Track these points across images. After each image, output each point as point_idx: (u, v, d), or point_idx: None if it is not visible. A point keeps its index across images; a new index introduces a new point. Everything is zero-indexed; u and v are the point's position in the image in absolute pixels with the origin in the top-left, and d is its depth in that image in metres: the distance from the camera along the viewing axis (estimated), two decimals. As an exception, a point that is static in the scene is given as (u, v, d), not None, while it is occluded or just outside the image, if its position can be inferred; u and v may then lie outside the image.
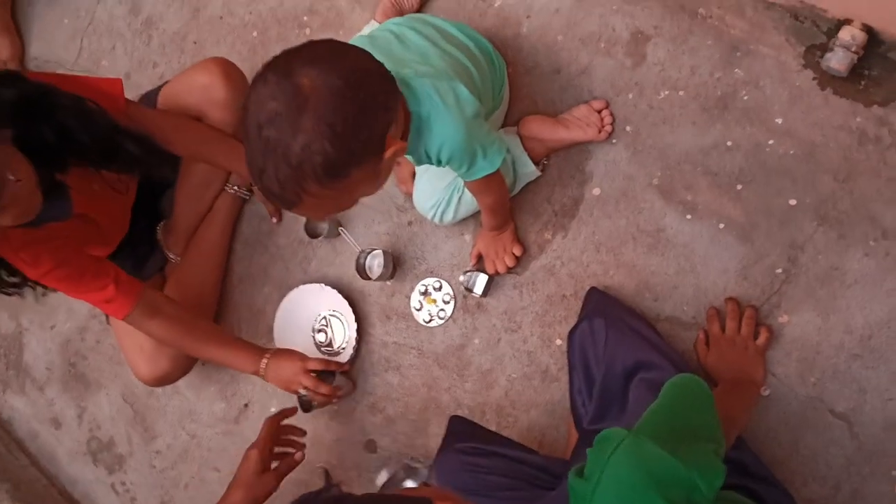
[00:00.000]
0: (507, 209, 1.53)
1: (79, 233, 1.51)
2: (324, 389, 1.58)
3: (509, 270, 1.59)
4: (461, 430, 1.45)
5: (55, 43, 2.28)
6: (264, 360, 1.59)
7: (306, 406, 1.62)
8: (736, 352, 1.38)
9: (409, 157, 1.23)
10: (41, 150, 1.25)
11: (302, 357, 1.60)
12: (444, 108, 1.15)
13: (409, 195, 1.66)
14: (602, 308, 1.41)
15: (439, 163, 1.23)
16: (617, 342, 1.31)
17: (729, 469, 1.13)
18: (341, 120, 0.98)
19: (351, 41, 1.47)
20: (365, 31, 1.65)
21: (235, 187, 1.84)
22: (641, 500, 0.83)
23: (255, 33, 1.95)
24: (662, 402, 1.02)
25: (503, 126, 1.59)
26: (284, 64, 0.99)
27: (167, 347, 1.69)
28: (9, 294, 1.45)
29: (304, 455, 1.58)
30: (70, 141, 1.29)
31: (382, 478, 1.61)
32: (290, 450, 1.58)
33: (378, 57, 1.08)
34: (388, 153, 1.06)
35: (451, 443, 1.40)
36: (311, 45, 1.05)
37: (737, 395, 1.32)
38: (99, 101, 1.35)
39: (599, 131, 1.51)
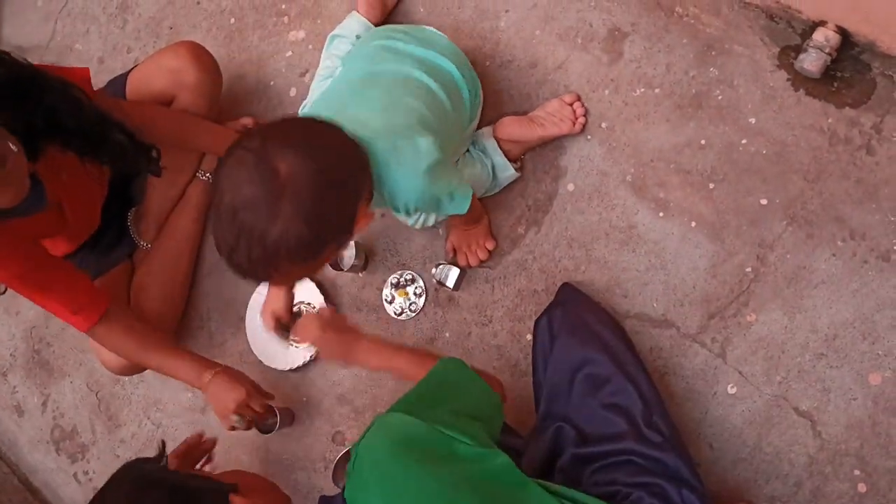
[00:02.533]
0: (479, 209, 1.54)
1: (47, 226, 1.47)
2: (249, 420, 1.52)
3: (481, 264, 1.58)
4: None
5: (28, 25, 2.25)
6: (208, 375, 1.51)
7: (267, 429, 1.62)
8: None
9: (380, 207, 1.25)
10: (23, 134, 1.21)
11: (249, 389, 1.52)
12: (401, 168, 1.17)
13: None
14: (564, 301, 1.42)
15: (408, 213, 1.26)
16: (568, 337, 1.33)
17: (634, 469, 1.17)
18: (318, 205, 0.99)
19: (318, 70, 1.53)
20: (348, 26, 1.63)
21: (208, 175, 1.82)
22: (392, 463, 0.90)
23: (232, 20, 1.93)
24: (420, 381, 1.09)
25: (478, 128, 1.58)
26: (260, 145, 0.99)
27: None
28: None
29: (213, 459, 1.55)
30: (57, 126, 1.25)
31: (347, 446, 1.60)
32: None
33: (332, 116, 1.10)
34: (358, 227, 1.08)
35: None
36: (282, 124, 1.07)
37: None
38: None
39: (574, 124, 1.51)
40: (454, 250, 1.59)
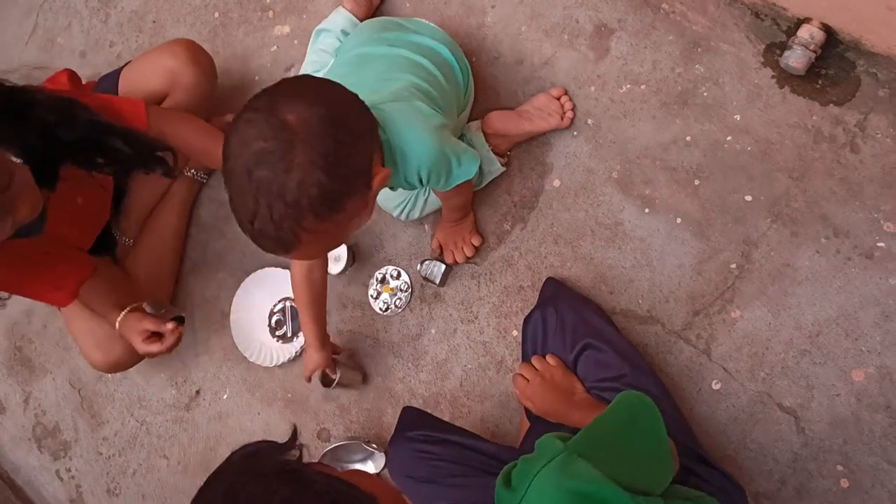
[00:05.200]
0: (467, 204, 1.53)
1: (48, 247, 1.45)
2: (155, 348, 1.54)
3: (468, 260, 1.58)
4: (412, 420, 1.44)
5: (9, 19, 2.22)
6: (121, 315, 1.54)
7: (326, 381, 1.57)
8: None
9: (389, 189, 1.22)
10: (36, 161, 1.20)
11: (139, 318, 1.54)
12: (412, 129, 1.15)
13: None
14: (555, 297, 1.41)
15: (420, 183, 1.22)
16: (563, 332, 1.32)
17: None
18: (333, 149, 0.96)
19: (304, 64, 1.53)
20: (333, 21, 1.62)
21: (193, 170, 1.80)
22: None
23: (216, 14, 1.92)
24: (606, 417, 0.98)
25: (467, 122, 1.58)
26: (266, 102, 0.97)
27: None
28: None
29: None
30: (53, 139, 1.23)
31: (333, 444, 1.59)
32: None
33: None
34: (376, 182, 1.05)
35: (401, 432, 1.38)
36: (288, 81, 1.04)
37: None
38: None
39: (561, 118, 1.51)
40: (440, 247, 1.59)
